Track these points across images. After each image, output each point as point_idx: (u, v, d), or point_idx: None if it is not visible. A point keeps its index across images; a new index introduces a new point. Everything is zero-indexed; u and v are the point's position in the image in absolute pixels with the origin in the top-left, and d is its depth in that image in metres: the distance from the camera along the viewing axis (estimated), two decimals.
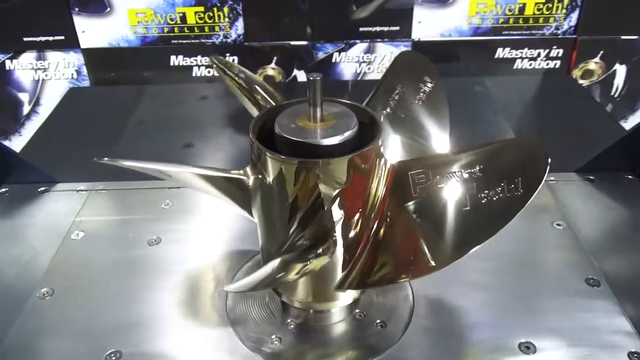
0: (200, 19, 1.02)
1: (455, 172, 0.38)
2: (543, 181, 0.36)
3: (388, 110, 0.47)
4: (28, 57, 1.04)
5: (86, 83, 1.07)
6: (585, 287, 0.49)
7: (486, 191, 0.37)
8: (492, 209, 0.37)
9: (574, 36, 1.03)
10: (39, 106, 1.09)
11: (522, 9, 1.02)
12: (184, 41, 1.04)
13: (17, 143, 1.08)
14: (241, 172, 0.40)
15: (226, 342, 0.45)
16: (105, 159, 0.38)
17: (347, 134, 0.39)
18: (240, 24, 1.02)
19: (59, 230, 0.56)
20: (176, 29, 1.03)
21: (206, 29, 1.03)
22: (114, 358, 0.43)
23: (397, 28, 1.04)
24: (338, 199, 0.36)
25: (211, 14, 1.01)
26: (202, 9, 1.01)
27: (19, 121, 1.10)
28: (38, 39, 1.02)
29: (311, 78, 0.38)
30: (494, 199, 0.37)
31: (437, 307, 0.48)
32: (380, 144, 0.39)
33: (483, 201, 0.37)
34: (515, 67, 1.08)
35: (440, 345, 0.44)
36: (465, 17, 1.03)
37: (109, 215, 0.58)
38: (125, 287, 0.50)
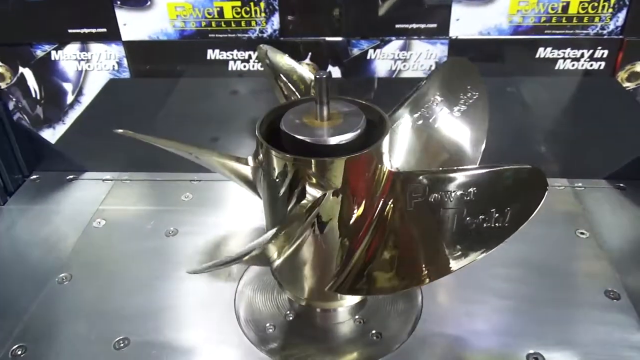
0: (237, 13, 1.03)
1: (449, 191, 0.37)
2: (532, 216, 0.35)
3: (417, 115, 0.46)
4: (72, 49, 1.08)
5: (126, 75, 1.09)
6: (604, 299, 0.47)
7: (474, 217, 0.36)
8: (479, 234, 0.36)
9: (621, 37, 0.99)
10: (82, 96, 1.12)
11: (565, 8, 0.99)
12: (221, 35, 1.05)
13: (60, 131, 1.12)
14: (244, 159, 0.40)
15: (231, 336, 0.45)
16: (120, 130, 0.40)
17: (349, 135, 0.38)
18: (276, 19, 1.03)
19: (82, 217, 0.58)
20: (213, 23, 1.04)
21: (242, 23, 1.04)
22: (122, 344, 0.45)
23: (434, 25, 1.02)
24: (330, 199, 0.36)
25: (248, 9, 1.02)
26: (239, 3, 1.02)
27: (62, 110, 1.13)
28: (82, 31, 1.06)
29: (318, 76, 0.38)
30: (483, 225, 0.36)
31: (445, 311, 0.47)
32: (382, 147, 0.38)
33: (469, 226, 0.37)
34: (557, 67, 1.04)
35: (443, 352, 0.44)
36: (506, 15, 1.00)
37: (130, 205, 0.60)
38: (139, 277, 0.51)
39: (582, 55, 1.02)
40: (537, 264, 0.51)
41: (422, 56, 1.05)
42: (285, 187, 0.39)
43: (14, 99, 1.13)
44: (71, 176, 0.63)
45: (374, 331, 0.46)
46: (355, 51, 1.06)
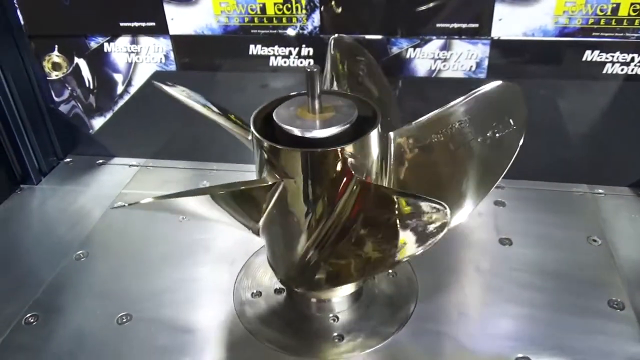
0: (279, 9, 1.05)
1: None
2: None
3: (440, 137, 0.46)
4: (123, 41, 1.13)
5: (172, 67, 1.14)
6: (607, 309, 0.46)
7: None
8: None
9: None
10: (131, 87, 1.17)
11: (615, 10, 0.95)
12: (263, 31, 1.07)
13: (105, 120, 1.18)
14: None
15: (229, 323, 0.47)
16: (159, 83, 0.42)
17: (338, 128, 0.39)
18: (316, 16, 1.04)
19: (106, 200, 0.61)
20: (256, 19, 1.07)
21: (284, 20, 1.06)
22: (124, 320, 0.47)
23: (476, 25, 1.00)
24: (290, 187, 0.38)
25: (289, 5, 1.04)
26: (281, 0, 1.04)
27: (113, 100, 1.19)
28: (132, 24, 1.11)
29: (309, 70, 0.39)
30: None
31: (441, 308, 0.47)
32: (353, 149, 0.39)
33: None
34: (604, 71, 1.00)
35: (434, 347, 0.43)
36: (551, 16, 0.97)
37: (150, 190, 0.63)
38: (149, 259, 0.54)
39: (632, 59, 0.97)
40: (543, 268, 0.50)
41: (463, 56, 1.04)
42: (258, 165, 0.40)
43: (69, 88, 1.19)
44: (101, 161, 0.67)
45: (366, 322, 0.46)
46: (395, 50, 1.05)
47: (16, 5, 1.10)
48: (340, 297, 0.47)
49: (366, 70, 0.49)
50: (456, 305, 0.47)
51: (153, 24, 1.10)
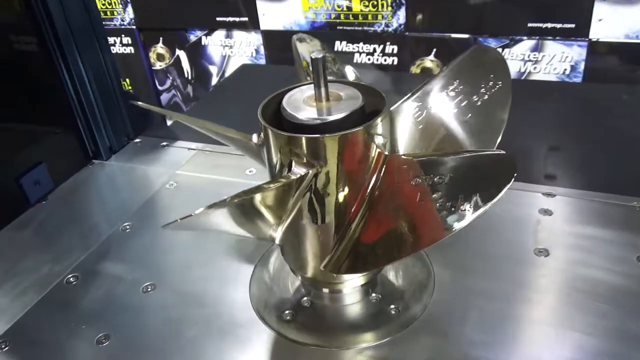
0: (365, 7, 1.05)
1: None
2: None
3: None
4: (219, 35, 1.19)
5: (262, 61, 1.18)
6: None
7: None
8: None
9: None
10: (224, 78, 1.24)
11: None
12: (348, 28, 1.08)
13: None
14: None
15: (242, 305, 0.48)
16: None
17: (341, 115, 0.39)
18: (402, 14, 1.03)
19: (162, 178, 0.65)
20: (342, 16, 1.07)
21: (369, 17, 1.06)
22: (149, 289, 0.50)
23: (572, 25, 0.94)
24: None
25: (375, 3, 1.04)
26: None
27: (208, 90, 1.26)
28: (227, 19, 1.16)
29: (313, 57, 0.39)
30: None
31: (454, 310, 0.45)
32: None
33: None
34: None
35: (439, 348, 0.42)
36: None
37: (202, 172, 0.66)
38: (182, 236, 0.56)
39: None
40: (575, 284, 0.46)
41: (556, 58, 0.97)
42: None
43: (170, 78, 1.28)
44: (165, 143, 0.71)
45: (392, 305, 0.46)
46: None
47: (128, 0, 1.20)
48: (352, 287, 0.47)
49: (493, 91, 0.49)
50: (471, 304, 0.45)
51: (246, 19, 1.15)
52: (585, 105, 0.76)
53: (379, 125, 0.38)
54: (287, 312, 0.47)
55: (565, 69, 0.96)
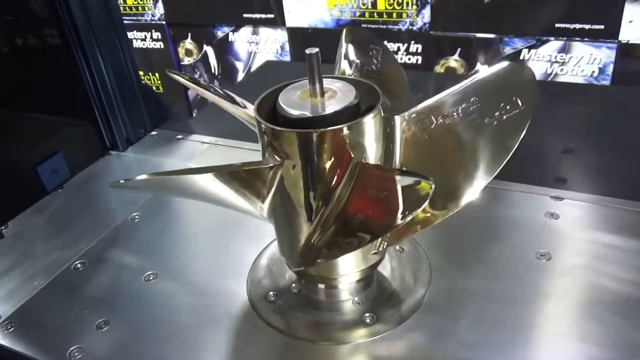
0: (390, 4, 1.04)
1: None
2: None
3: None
4: (245, 32, 1.20)
5: (287, 58, 1.19)
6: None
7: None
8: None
9: None
10: (247, 74, 1.25)
11: None
12: (373, 26, 1.08)
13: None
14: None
15: (239, 297, 0.49)
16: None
17: (336, 109, 0.39)
18: (427, 12, 1.02)
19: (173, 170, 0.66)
20: (367, 14, 1.07)
21: (394, 15, 1.05)
22: (151, 278, 0.51)
23: (601, 27, 0.91)
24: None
25: (400, 1, 1.03)
26: None
27: (234, 85, 1.28)
28: (254, 16, 1.17)
29: (308, 52, 0.39)
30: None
31: (449, 310, 0.44)
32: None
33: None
34: None
35: (431, 347, 0.42)
36: None
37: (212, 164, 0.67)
38: (187, 228, 0.58)
39: None
40: (574, 293, 0.44)
41: (584, 60, 0.95)
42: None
43: (198, 73, 1.30)
44: (180, 136, 0.72)
45: (369, 313, 0.45)
46: (508, 50, 0.99)
47: None
48: (347, 283, 0.47)
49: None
50: (463, 308, 0.44)
51: (272, 16, 1.15)
52: (610, 108, 0.74)
53: (354, 129, 0.38)
54: (276, 297, 0.47)
55: (593, 71, 0.94)
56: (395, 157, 0.42)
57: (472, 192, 0.39)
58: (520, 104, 0.37)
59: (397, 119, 0.41)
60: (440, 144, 0.40)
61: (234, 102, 0.45)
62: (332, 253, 0.39)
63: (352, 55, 0.48)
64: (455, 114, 0.39)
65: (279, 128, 0.38)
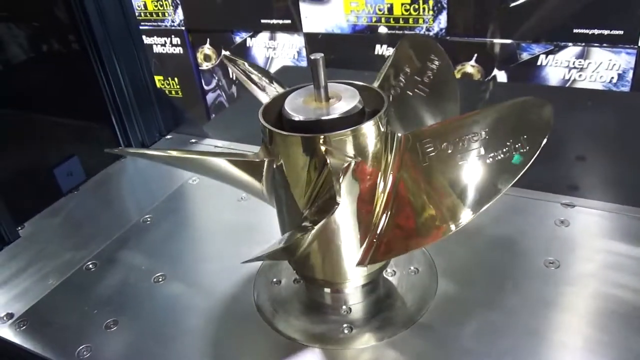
0: (406, 10, 1.04)
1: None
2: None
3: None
4: (263, 37, 1.21)
5: (304, 63, 1.19)
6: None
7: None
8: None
9: None
10: None
11: None
12: (390, 31, 1.08)
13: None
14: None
15: (245, 301, 0.49)
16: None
17: (348, 110, 0.39)
18: (443, 18, 1.01)
19: (187, 174, 0.67)
20: (383, 19, 1.07)
21: (410, 20, 1.05)
22: (160, 279, 0.52)
23: (621, 32, 0.90)
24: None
25: (416, 6, 1.03)
26: (408, 0, 1.03)
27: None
28: (271, 21, 1.18)
29: (313, 57, 0.40)
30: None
31: (453, 318, 0.44)
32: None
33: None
34: None
35: (434, 354, 0.41)
36: None
37: None
38: (199, 231, 0.59)
39: None
40: (583, 301, 0.44)
41: (603, 66, 0.93)
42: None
43: (216, 78, 1.32)
44: (194, 140, 0.73)
45: (392, 307, 0.46)
46: (525, 55, 0.98)
47: (178, 2, 1.25)
48: (352, 288, 0.47)
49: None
50: (468, 315, 0.44)
51: (289, 21, 1.16)
52: (628, 115, 0.72)
53: (340, 139, 0.38)
54: (282, 301, 0.48)
55: (612, 77, 0.93)
56: (389, 173, 0.41)
57: (453, 226, 0.38)
58: (528, 143, 0.36)
59: (399, 135, 0.41)
60: (435, 171, 0.39)
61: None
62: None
63: (403, 63, 0.48)
64: (460, 143, 0.38)
65: (277, 130, 0.39)
